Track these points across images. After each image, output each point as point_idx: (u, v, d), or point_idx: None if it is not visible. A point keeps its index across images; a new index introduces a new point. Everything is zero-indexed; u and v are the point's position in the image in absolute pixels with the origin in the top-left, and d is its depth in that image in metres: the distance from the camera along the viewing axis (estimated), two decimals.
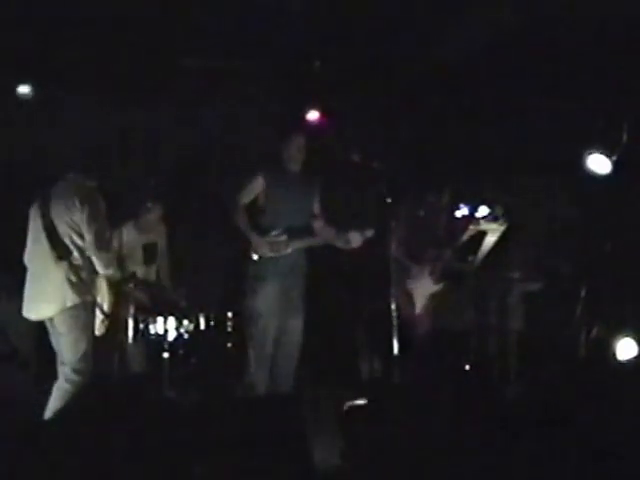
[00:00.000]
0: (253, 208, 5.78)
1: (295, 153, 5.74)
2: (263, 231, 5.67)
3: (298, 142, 5.75)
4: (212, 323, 6.14)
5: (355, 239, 5.65)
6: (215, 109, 7.41)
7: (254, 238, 5.64)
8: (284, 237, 5.63)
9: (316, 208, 5.88)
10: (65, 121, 7.01)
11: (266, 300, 5.60)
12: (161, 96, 7.10)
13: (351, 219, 6.16)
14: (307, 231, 5.79)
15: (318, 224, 5.85)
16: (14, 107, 6.88)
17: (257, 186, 5.74)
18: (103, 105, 7.00)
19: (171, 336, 5.98)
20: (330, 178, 6.38)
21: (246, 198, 5.75)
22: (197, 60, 6.96)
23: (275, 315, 5.63)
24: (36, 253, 5.13)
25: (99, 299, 5.20)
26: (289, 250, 5.66)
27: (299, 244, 5.70)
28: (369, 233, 5.64)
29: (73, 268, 5.01)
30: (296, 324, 5.72)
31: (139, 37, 6.31)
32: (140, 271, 6.17)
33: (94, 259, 5.06)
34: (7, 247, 5.77)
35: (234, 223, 5.70)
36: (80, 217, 5.00)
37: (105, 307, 5.21)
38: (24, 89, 6.82)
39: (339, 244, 5.73)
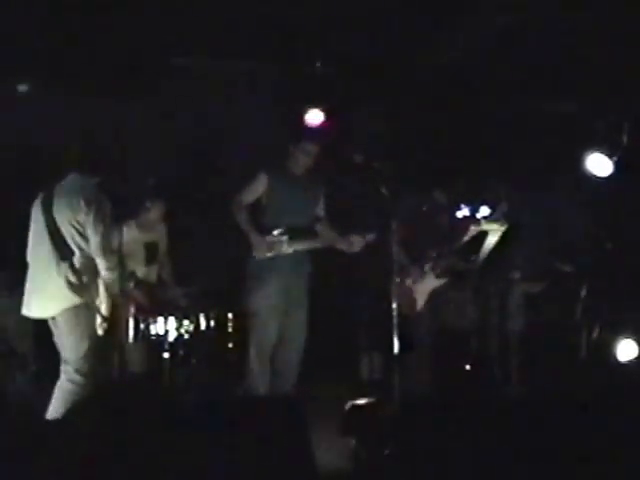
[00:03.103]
0: (256, 207, 5.77)
1: (303, 158, 5.74)
2: (265, 231, 5.67)
3: (308, 148, 5.75)
4: (212, 323, 6.14)
5: (357, 243, 5.69)
6: (215, 108, 7.40)
7: (255, 237, 5.64)
8: (285, 238, 5.63)
9: (320, 211, 5.88)
10: (65, 120, 6.99)
11: (266, 299, 5.60)
12: (162, 95, 7.09)
13: (353, 223, 6.17)
14: (309, 233, 5.78)
15: (321, 227, 5.86)
16: (13, 106, 6.87)
17: (261, 185, 5.72)
18: (103, 104, 6.99)
19: (171, 336, 5.97)
20: (334, 181, 6.37)
21: (249, 197, 5.74)
22: (196, 59, 6.96)
23: (276, 314, 5.63)
24: (38, 252, 5.03)
25: (97, 302, 5.05)
26: (290, 251, 5.65)
27: (300, 245, 5.69)
28: (371, 237, 5.68)
29: (74, 269, 4.90)
30: (299, 321, 5.72)
31: (140, 36, 6.31)
32: (141, 270, 6.16)
33: (98, 262, 4.93)
34: (6, 246, 5.76)
35: (236, 221, 5.69)
36: (85, 218, 4.87)
37: (103, 309, 5.10)
38: (23, 88, 6.81)
39: (341, 247, 5.75)
